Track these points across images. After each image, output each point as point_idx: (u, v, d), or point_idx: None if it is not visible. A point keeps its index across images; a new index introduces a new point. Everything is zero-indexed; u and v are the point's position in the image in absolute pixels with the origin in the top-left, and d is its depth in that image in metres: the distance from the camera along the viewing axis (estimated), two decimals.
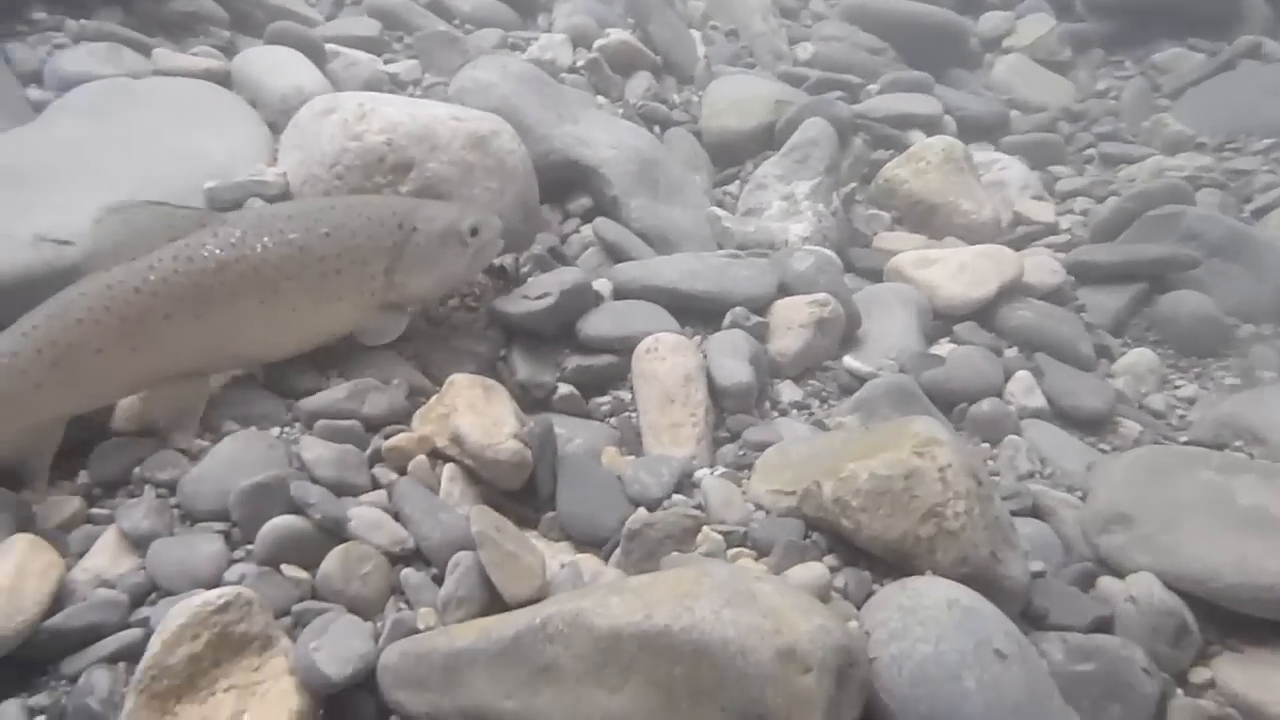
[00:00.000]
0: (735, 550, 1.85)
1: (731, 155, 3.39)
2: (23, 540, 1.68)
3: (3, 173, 2.20)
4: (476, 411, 1.93)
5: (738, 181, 3.32)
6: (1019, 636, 1.60)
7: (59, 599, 1.65)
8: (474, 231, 2.12)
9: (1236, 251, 2.97)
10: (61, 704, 1.55)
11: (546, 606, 1.53)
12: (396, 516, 1.81)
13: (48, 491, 1.85)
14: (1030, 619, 1.78)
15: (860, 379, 2.37)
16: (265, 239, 1.92)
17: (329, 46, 3.09)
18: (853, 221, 3.18)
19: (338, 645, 1.55)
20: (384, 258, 2.03)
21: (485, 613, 1.67)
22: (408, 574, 1.74)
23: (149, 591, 1.69)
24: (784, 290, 2.50)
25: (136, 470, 1.88)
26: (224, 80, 2.83)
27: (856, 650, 1.48)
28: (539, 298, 2.21)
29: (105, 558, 1.74)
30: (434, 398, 2.00)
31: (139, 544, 1.75)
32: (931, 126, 3.62)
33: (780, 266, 2.56)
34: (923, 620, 1.57)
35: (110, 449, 1.91)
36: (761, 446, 2.13)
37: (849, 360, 2.42)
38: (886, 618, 1.61)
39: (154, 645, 1.49)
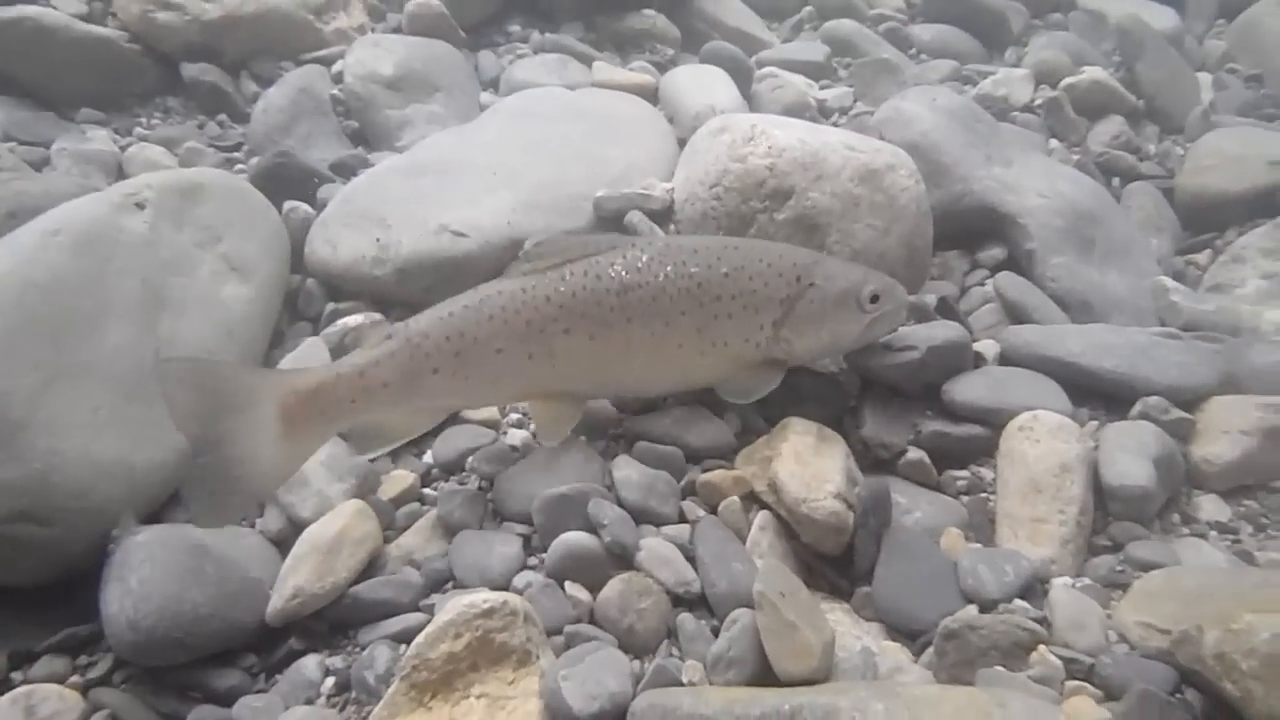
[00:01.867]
0: (1075, 684, 1.49)
1: (1208, 220, 2.84)
2: (352, 506, 1.79)
3: (436, 166, 2.42)
4: (801, 461, 1.75)
5: (1209, 251, 2.78)
6: None
7: (372, 568, 1.75)
8: (874, 299, 1.91)
9: None
10: (349, 670, 1.63)
11: (801, 694, 1.33)
12: (692, 559, 1.69)
13: (396, 465, 1.97)
14: None
15: None
16: (668, 268, 1.86)
17: (762, 69, 3.07)
18: None
19: (589, 679, 1.46)
20: (775, 309, 1.89)
21: (756, 682, 1.50)
22: (684, 619, 1.61)
23: (446, 580, 1.73)
24: (1228, 386, 2.01)
25: (470, 459, 1.95)
26: (652, 96, 2.90)
27: None
28: (902, 349, 1.97)
29: (420, 538, 1.81)
30: (763, 438, 1.85)
31: (450, 531, 1.80)
32: None
33: (1232, 356, 2.07)
34: None
35: (455, 433, 2.01)
36: (1148, 566, 1.71)
37: None
38: None
39: (421, 636, 1.50)
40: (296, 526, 1.83)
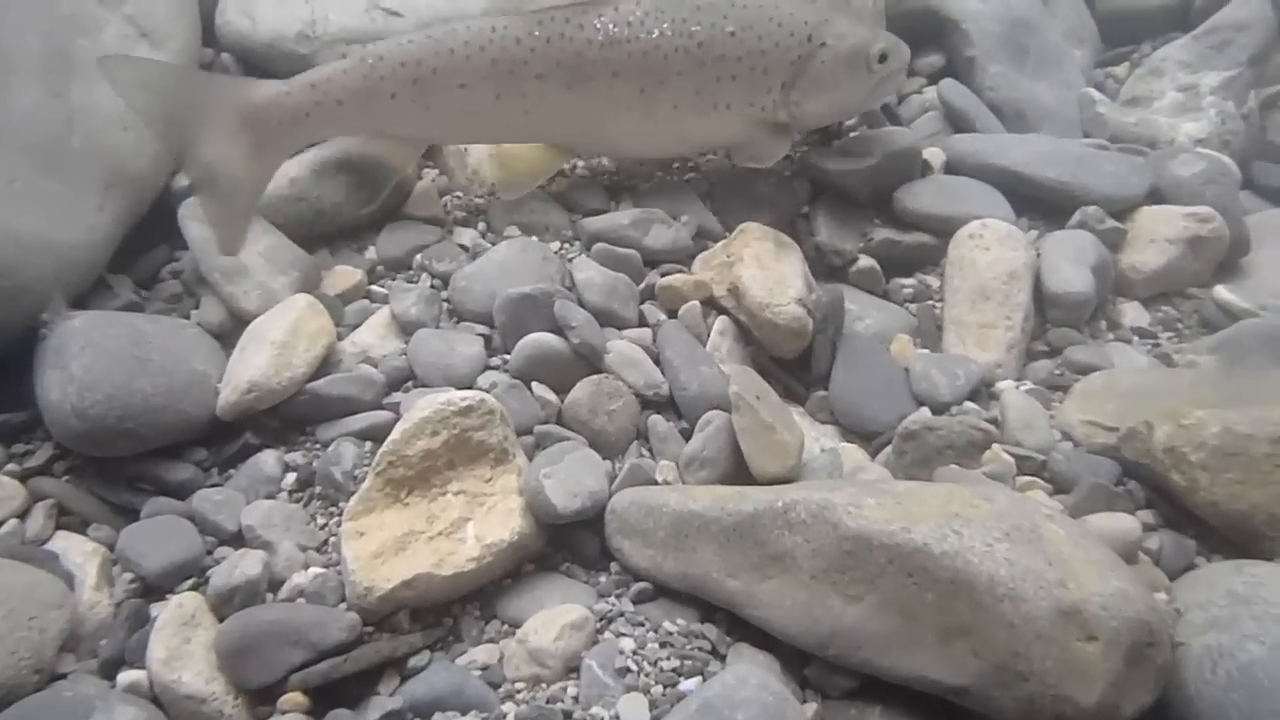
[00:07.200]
0: (1027, 479, 1.59)
1: (1128, 32, 2.88)
2: (303, 300, 1.71)
3: None
4: (762, 266, 1.75)
5: (1128, 64, 2.83)
6: None
7: (325, 365, 1.68)
8: (882, 58, 1.90)
9: None
10: (312, 466, 1.59)
11: (793, 490, 1.36)
12: (656, 360, 1.69)
13: (336, 260, 1.88)
14: None
15: (1233, 315, 1.95)
16: (665, 25, 1.81)
17: None
18: (1268, 130, 2.62)
19: (569, 477, 1.47)
20: (785, 71, 1.85)
21: (727, 480, 1.54)
22: (655, 421, 1.62)
23: (406, 378, 1.69)
24: (1156, 196, 2.08)
25: (419, 257, 1.87)
26: None
27: (1160, 629, 1.21)
28: (859, 155, 1.95)
29: (374, 335, 1.75)
30: (721, 243, 1.84)
31: (406, 329, 1.74)
32: None
33: (1158, 168, 2.14)
34: (1259, 615, 1.27)
35: (399, 230, 1.92)
36: (1085, 369, 1.81)
37: (1222, 291, 1.99)
38: (1208, 600, 1.33)
39: (395, 433, 1.47)
40: (238, 319, 1.75)
